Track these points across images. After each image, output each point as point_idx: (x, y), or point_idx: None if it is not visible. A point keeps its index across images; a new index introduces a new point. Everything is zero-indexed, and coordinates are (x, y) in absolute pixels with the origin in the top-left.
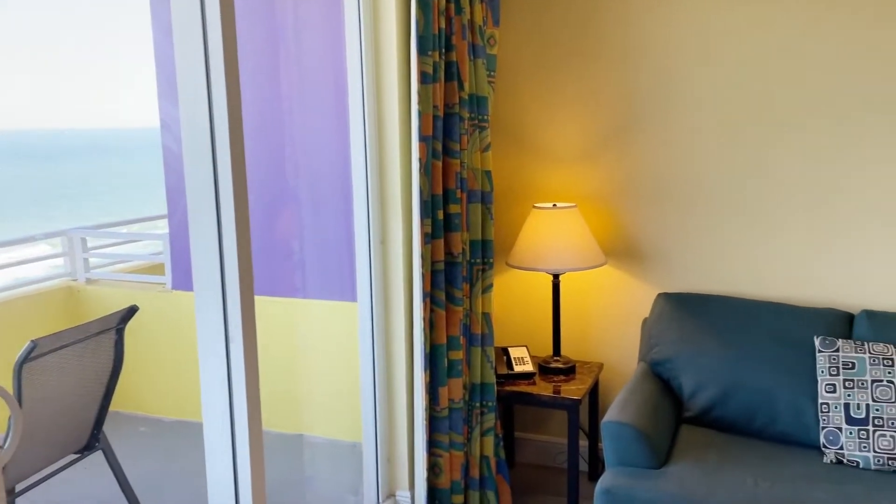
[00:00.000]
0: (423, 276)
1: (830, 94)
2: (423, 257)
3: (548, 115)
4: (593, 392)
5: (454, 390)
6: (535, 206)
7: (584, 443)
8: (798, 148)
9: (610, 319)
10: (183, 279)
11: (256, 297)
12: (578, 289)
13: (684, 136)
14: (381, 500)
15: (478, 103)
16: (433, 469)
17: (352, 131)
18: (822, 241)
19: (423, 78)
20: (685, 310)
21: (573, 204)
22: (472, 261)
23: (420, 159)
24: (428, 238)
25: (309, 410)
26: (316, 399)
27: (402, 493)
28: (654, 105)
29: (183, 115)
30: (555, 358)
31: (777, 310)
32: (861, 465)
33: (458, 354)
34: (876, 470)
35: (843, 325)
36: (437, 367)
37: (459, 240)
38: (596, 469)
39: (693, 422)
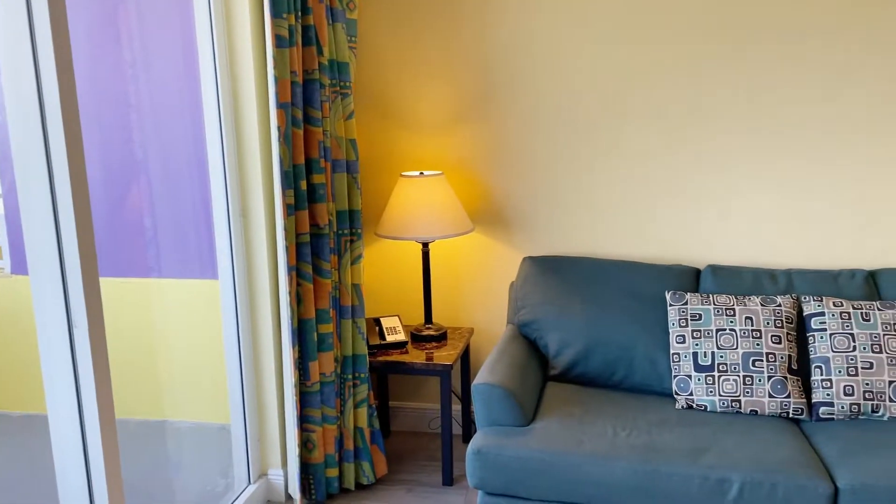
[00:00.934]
0: (288, 249)
1: (673, 55)
2: (286, 230)
3: (413, 82)
4: (465, 357)
5: (325, 364)
6: (402, 175)
7: (457, 407)
8: (647, 114)
9: (479, 285)
10: (23, 262)
11: (106, 280)
12: (448, 256)
13: (543, 103)
14: (252, 481)
15: (339, 69)
16: (306, 445)
17: (205, 98)
18: (672, 203)
19: (279, 42)
20: (549, 272)
21: (440, 172)
22: (340, 232)
23: (279, 127)
24: (291, 209)
25: (172, 395)
26: (179, 383)
27: (275, 472)
28: (515, 72)
29: (4, 72)
30: (427, 326)
31: (633, 268)
32: (708, 409)
33: (329, 328)
34: (721, 412)
35: (691, 279)
36: (306, 342)
37: (325, 211)
38: (469, 431)
39: (559, 379)
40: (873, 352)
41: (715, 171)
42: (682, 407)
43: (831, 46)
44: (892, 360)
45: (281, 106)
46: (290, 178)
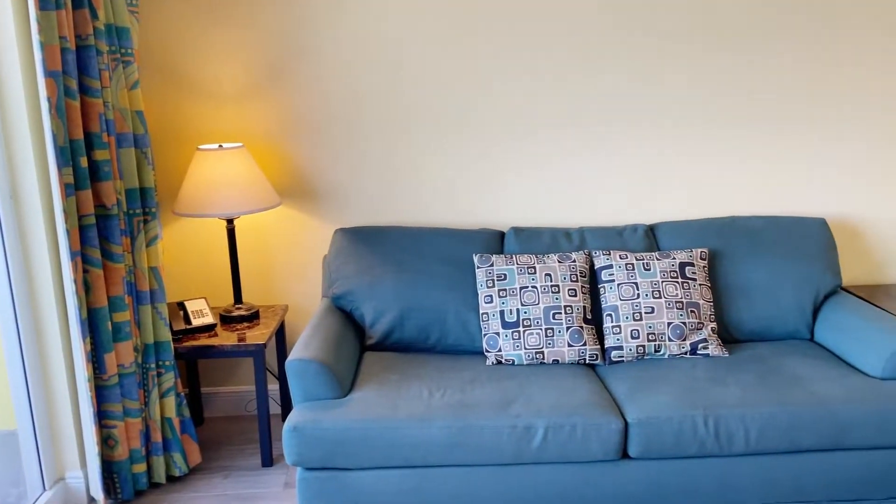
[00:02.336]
0: (69, 232)
1: (477, 23)
2: (66, 212)
3: (206, 49)
4: (281, 335)
5: (123, 355)
6: (199, 149)
7: (276, 386)
8: (452, 83)
9: (292, 260)
10: None
11: None
12: (256, 232)
13: (349, 70)
14: (47, 487)
15: (118, 35)
16: (107, 442)
17: None
18: (477, 170)
19: (43, 3)
20: (361, 243)
21: (240, 144)
22: (131, 212)
23: (49, 98)
24: (70, 189)
25: None
26: None
27: (74, 474)
28: (319, 37)
29: None
30: (237, 306)
31: (443, 234)
32: (516, 363)
33: (125, 315)
34: (527, 364)
35: (496, 241)
36: (99, 333)
37: (112, 189)
38: (289, 410)
39: (376, 348)
40: (654, 298)
41: (516, 140)
42: (493, 363)
43: (592, 25)
44: (669, 304)
45: (50, 74)
46: (67, 154)
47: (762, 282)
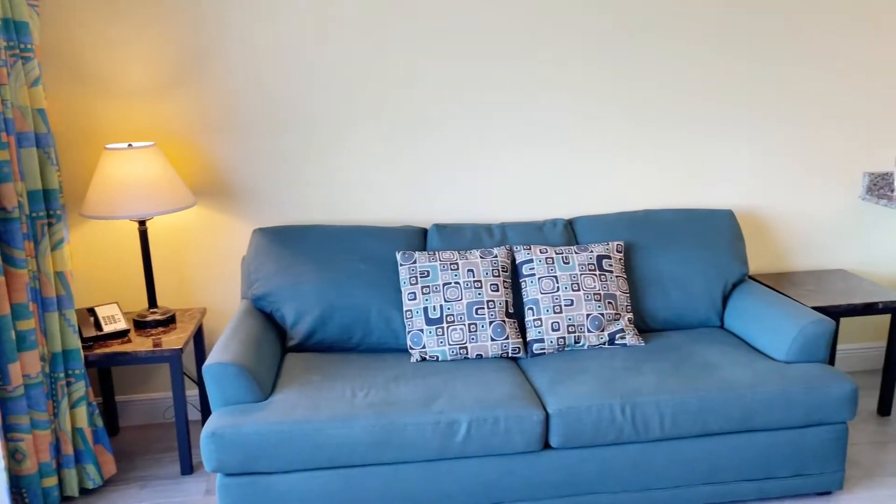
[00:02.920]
0: None
1: (386, 16)
2: None
3: (113, 44)
4: (199, 339)
5: (29, 364)
6: (107, 148)
7: (195, 392)
8: (373, 80)
9: (209, 262)
10: None
11: None
12: (170, 234)
13: (267, 66)
14: None
15: (17, 30)
16: (14, 456)
17: None
18: (400, 167)
19: None
20: (281, 243)
21: (152, 143)
22: (34, 214)
23: None
24: None
25: None
26: None
27: None
28: (232, 31)
29: None
30: (151, 310)
31: (365, 232)
32: (440, 359)
33: (30, 323)
34: (451, 360)
35: (419, 239)
36: (3, 342)
37: (13, 191)
38: (209, 415)
39: (298, 349)
40: (573, 290)
41: (436, 137)
42: (417, 360)
43: (503, 19)
44: (588, 297)
45: None
46: None
47: (675, 272)
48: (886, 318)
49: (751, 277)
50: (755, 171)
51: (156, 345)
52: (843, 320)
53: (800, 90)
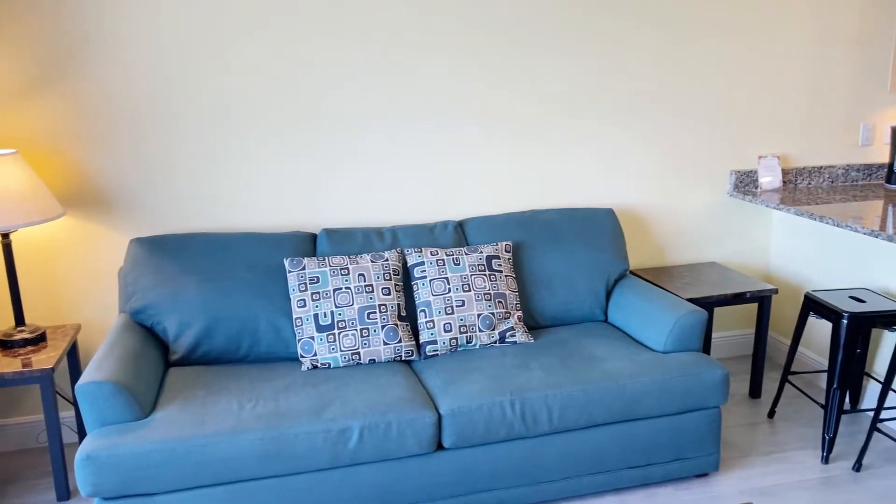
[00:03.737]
0: None
1: (265, 16)
2: None
3: None
4: (74, 357)
5: None
6: None
7: (71, 413)
8: (261, 83)
9: (83, 275)
10: None
11: None
12: (38, 247)
13: (144, 63)
14: None
15: None
16: None
17: None
18: (287, 171)
19: None
20: (161, 253)
21: (14, 150)
22: None
23: None
24: None
25: None
26: None
27: None
28: (98, 28)
29: None
30: (19, 329)
31: (250, 239)
32: (332, 366)
33: None
34: (344, 367)
35: (308, 244)
36: None
37: None
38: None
39: (182, 363)
40: (464, 291)
41: (325, 140)
42: (308, 368)
43: (392, 23)
44: (478, 297)
45: None
46: None
47: (560, 270)
48: (755, 306)
49: (632, 272)
50: (633, 171)
51: (25, 365)
52: (716, 310)
53: (673, 95)
